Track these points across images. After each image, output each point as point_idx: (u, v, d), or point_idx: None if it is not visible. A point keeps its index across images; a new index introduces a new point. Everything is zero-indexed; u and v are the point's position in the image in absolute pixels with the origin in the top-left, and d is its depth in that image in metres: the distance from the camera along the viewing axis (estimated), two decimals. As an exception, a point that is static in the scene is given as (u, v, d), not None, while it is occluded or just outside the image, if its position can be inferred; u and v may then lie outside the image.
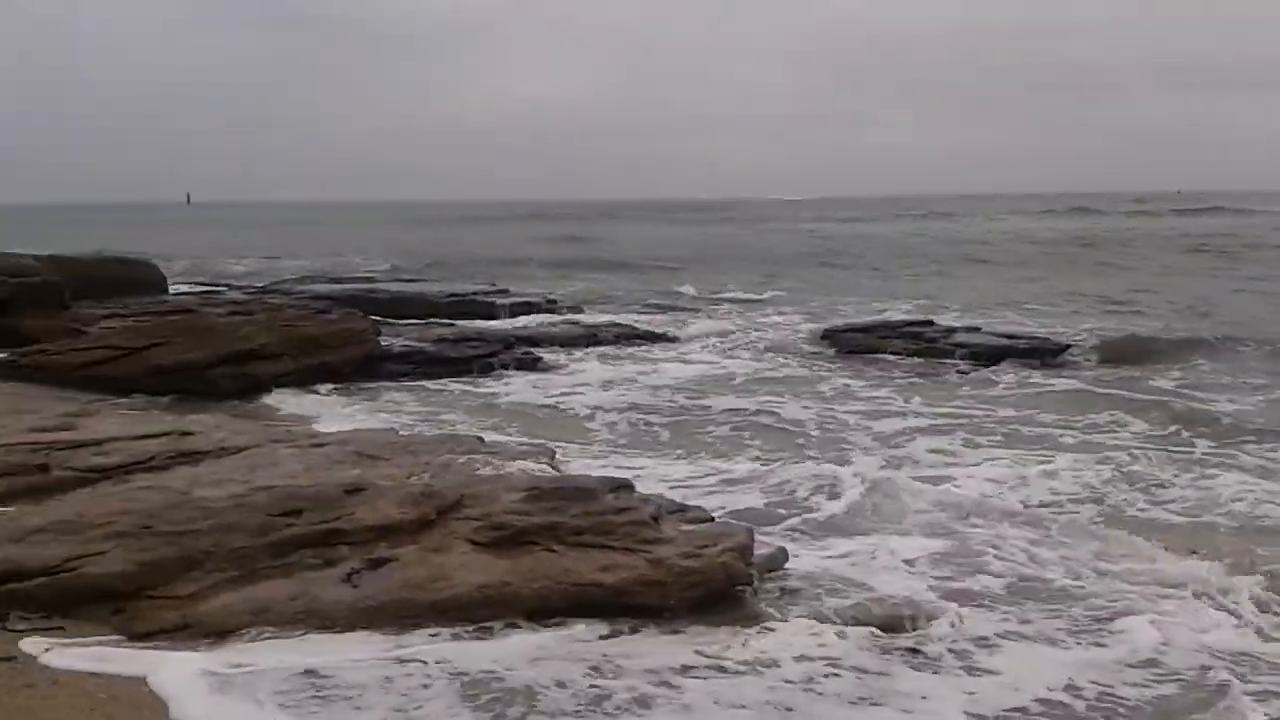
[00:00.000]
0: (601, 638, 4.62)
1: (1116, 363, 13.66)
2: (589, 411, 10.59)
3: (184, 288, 21.01)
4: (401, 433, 8.19)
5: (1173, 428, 9.75)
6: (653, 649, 4.55)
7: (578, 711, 4.03)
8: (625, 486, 6.15)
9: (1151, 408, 10.57)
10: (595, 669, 4.34)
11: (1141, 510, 7.23)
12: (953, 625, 4.94)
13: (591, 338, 15.27)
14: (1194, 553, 6.12)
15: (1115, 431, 9.76)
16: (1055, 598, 5.41)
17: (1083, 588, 5.54)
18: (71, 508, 5.30)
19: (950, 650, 4.71)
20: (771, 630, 4.75)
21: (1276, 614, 5.18)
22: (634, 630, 4.70)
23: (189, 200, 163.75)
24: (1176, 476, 8.02)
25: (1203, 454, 8.76)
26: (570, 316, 17.88)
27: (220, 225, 70.16)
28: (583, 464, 8.06)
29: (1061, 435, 9.55)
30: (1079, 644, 4.84)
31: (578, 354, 14.24)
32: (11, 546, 4.77)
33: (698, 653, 4.51)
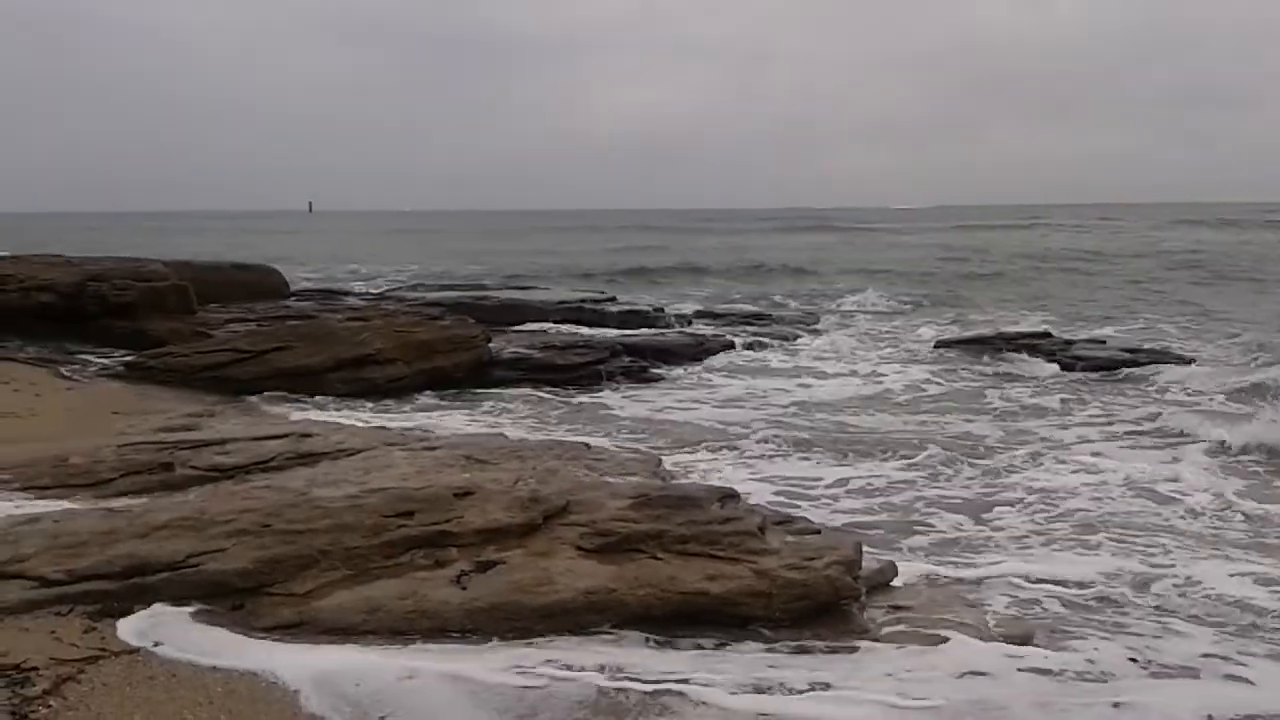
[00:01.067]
0: (721, 646, 4.63)
1: (1242, 377, 13.17)
2: (704, 421, 10.55)
3: (307, 290, 21.64)
4: (509, 438, 8.30)
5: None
6: (776, 659, 4.52)
7: (734, 693, 4.10)
8: (731, 496, 6.13)
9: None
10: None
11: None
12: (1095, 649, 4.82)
13: (700, 347, 15.22)
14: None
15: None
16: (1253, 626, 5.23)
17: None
18: (194, 505, 5.47)
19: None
20: (884, 645, 4.67)
21: None
22: (749, 639, 4.68)
23: (311, 209, 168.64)
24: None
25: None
26: (679, 327, 17.91)
27: (342, 233, 72.06)
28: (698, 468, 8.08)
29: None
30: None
31: (686, 365, 14.23)
32: (136, 542, 4.94)
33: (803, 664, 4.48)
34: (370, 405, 10.90)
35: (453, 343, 12.52)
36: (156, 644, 4.33)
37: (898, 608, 5.13)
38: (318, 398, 11.02)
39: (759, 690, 4.18)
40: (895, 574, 5.63)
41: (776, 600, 4.77)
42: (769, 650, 4.58)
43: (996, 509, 7.36)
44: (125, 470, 6.53)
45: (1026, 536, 6.75)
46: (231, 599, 4.71)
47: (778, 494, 7.63)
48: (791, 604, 4.77)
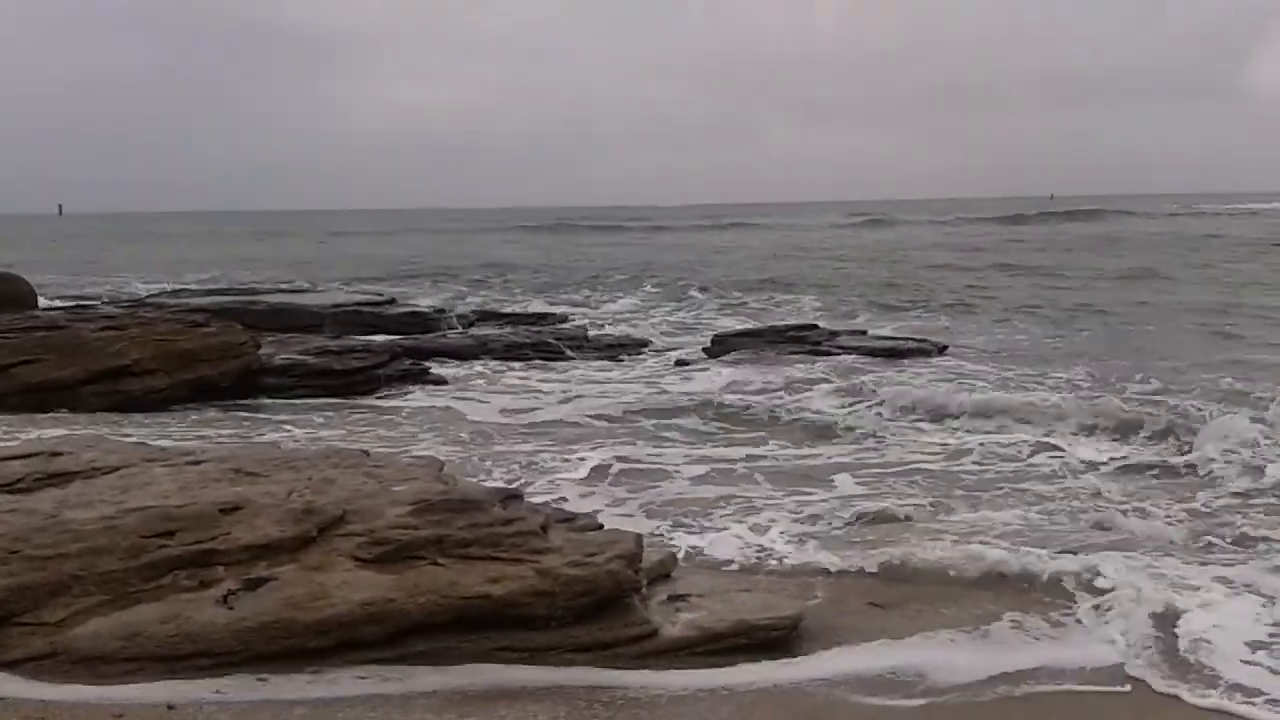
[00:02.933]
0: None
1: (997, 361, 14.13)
2: (488, 422, 10.52)
3: (55, 302, 20.29)
4: (283, 448, 8.00)
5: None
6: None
7: None
8: (515, 496, 6.11)
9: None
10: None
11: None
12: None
13: (482, 348, 15.11)
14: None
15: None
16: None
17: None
18: (-69, 534, 5.04)
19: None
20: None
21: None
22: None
23: (61, 212, 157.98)
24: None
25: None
26: (460, 329, 17.75)
27: (96, 237, 67.87)
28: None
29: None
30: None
31: (468, 366, 14.09)
32: None
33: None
34: (128, 420, 10.31)
35: (218, 350, 11.95)
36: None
37: (677, 597, 5.25)
38: (70, 413, 10.36)
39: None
40: (675, 564, 5.75)
41: (559, 598, 4.79)
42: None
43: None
44: None
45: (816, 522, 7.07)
46: (-23, 631, 4.38)
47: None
48: (574, 600, 4.80)
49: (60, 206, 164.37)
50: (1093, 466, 8.53)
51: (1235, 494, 7.55)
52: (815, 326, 16.28)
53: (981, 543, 6.23)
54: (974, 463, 8.67)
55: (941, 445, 9.26)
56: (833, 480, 8.06)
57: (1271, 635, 4.94)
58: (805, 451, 9.16)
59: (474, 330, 17.46)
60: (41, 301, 19.12)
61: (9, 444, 8.00)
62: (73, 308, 18.77)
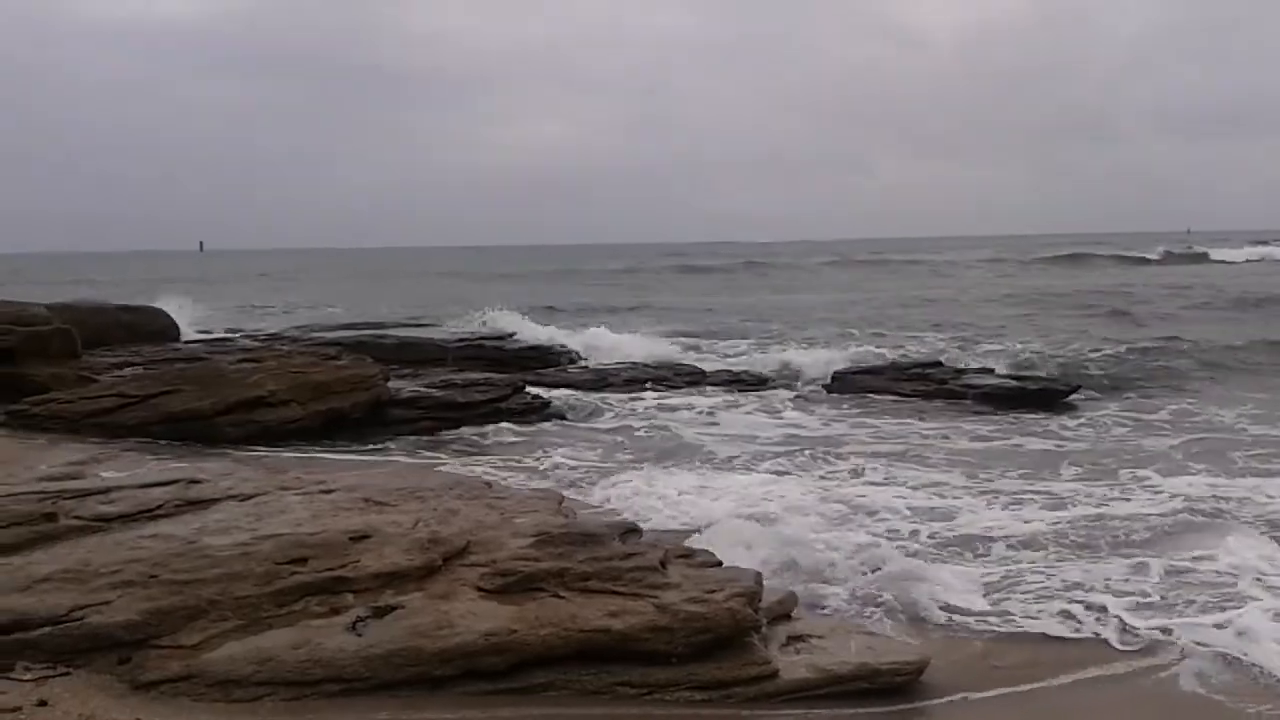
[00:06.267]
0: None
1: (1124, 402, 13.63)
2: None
3: (196, 335, 21.10)
4: (409, 478, 8.17)
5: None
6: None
7: None
8: (634, 531, 6.14)
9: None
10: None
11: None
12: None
13: (603, 383, 15.22)
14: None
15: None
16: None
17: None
18: (78, 556, 5.28)
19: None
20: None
21: None
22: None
23: (202, 248, 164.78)
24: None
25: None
26: (582, 363, 17.92)
27: (234, 273, 70.43)
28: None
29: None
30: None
31: (591, 398, 14.19)
32: (17, 596, 4.75)
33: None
34: (264, 448, 10.66)
35: (349, 383, 12.27)
36: (37, 701, 4.18)
37: (797, 638, 5.17)
38: (208, 442, 10.74)
39: None
40: (795, 603, 5.68)
41: (678, 634, 4.77)
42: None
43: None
44: (6, 521, 6.24)
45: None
46: (117, 652, 4.56)
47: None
48: (693, 637, 4.77)
49: (201, 243, 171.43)
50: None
51: None
52: (939, 364, 15.94)
53: None
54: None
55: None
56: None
57: None
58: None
59: (592, 365, 17.59)
60: (183, 334, 19.91)
61: (150, 470, 8.33)
62: (211, 340, 19.58)
